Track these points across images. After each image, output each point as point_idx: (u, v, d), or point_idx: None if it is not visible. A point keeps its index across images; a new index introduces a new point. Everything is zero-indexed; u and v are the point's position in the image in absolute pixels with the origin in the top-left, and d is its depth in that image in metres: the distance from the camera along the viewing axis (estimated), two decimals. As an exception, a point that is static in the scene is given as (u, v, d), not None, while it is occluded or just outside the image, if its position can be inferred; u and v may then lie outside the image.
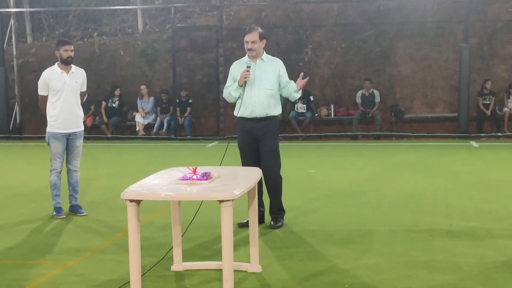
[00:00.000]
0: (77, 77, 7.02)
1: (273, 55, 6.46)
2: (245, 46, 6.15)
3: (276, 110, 6.26)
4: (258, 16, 16.96)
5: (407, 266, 4.96)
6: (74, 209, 7.05)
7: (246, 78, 6.01)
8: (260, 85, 6.14)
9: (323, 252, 5.39)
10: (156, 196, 4.12)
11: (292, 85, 6.22)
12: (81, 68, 7.20)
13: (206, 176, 4.34)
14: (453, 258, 5.13)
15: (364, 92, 15.55)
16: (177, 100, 16.29)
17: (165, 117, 16.21)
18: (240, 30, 16.71)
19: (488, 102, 15.07)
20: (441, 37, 15.85)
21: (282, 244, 5.67)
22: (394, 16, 16.12)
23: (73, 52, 6.95)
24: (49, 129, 6.91)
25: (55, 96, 6.87)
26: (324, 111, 15.89)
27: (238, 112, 6.23)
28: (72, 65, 6.98)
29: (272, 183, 6.27)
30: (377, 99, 15.49)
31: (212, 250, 5.50)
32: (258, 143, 6.23)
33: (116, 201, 7.45)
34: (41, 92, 6.94)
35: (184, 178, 4.32)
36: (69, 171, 7.07)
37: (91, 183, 8.91)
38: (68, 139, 6.95)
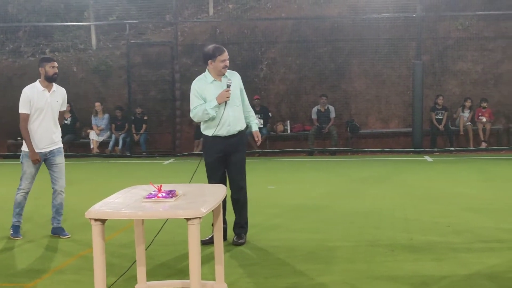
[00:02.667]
0: (58, 96, 6.72)
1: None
2: (221, 64, 6.10)
3: (244, 124, 6.38)
4: (213, 32, 16.96)
5: (371, 281, 4.97)
6: (57, 232, 6.73)
7: (228, 97, 6.04)
8: (231, 102, 6.16)
9: (287, 268, 5.36)
10: (122, 215, 4.02)
11: (249, 111, 6.46)
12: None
13: (171, 194, 4.27)
14: (416, 272, 5.17)
15: (319, 108, 15.68)
16: (132, 117, 16.12)
17: (120, 134, 16.01)
18: (195, 46, 16.71)
19: (440, 117, 15.39)
20: (394, 54, 16.14)
21: (247, 261, 5.63)
22: (348, 33, 16.35)
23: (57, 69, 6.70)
24: (24, 147, 6.60)
25: (34, 114, 6.55)
26: (280, 127, 15.95)
27: (213, 131, 6.17)
28: (54, 83, 6.69)
29: (241, 197, 6.33)
30: (333, 114, 15.65)
31: (175, 269, 5.42)
32: (227, 158, 6.26)
33: (75, 220, 7.30)
34: (23, 110, 6.54)
35: (149, 196, 4.25)
36: (54, 192, 6.75)
37: (47, 201, 8.68)
38: (46, 159, 6.67)
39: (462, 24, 16.28)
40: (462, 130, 15.32)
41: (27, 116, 6.55)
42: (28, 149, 6.56)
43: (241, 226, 6.35)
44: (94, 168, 13.82)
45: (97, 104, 16.22)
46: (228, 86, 6.07)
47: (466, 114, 15.47)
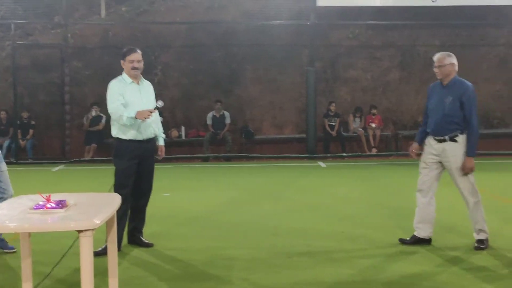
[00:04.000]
0: None
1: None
2: (129, 65, 6.00)
3: (157, 130, 6.35)
4: (105, 35, 16.48)
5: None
6: (1, 245, 6.04)
7: (148, 117, 5.88)
8: (148, 107, 6.05)
9: (185, 279, 5.19)
10: (5, 228, 3.71)
11: (158, 123, 6.36)
12: None
13: (61, 204, 3.99)
14: (314, 279, 5.14)
15: (214, 114, 15.59)
16: (18, 122, 15.32)
17: (4, 140, 15.18)
18: (86, 49, 16.16)
19: (333, 124, 15.72)
20: (288, 60, 16.33)
21: (142, 273, 5.39)
22: (242, 38, 16.37)
23: None
24: None
25: None
26: (174, 133, 15.71)
27: (126, 135, 6.05)
28: None
29: (146, 203, 6.37)
30: (228, 120, 15.59)
31: (65, 284, 5.09)
32: (138, 164, 6.14)
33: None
34: None
35: (37, 207, 3.94)
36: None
37: None
38: None
39: (353, 32, 16.74)
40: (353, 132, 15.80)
41: None
42: None
43: (141, 230, 6.40)
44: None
45: (-22, 108, 15.33)
46: (156, 108, 5.96)
47: (357, 122, 15.93)
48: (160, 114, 15.10)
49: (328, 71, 16.53)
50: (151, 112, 5.89)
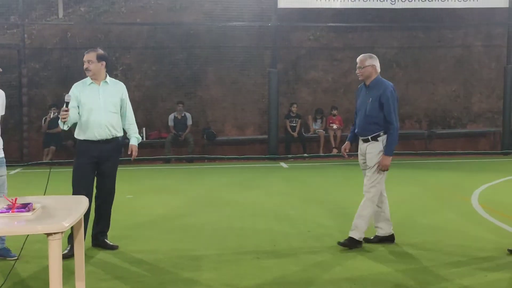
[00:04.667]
0: None
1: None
2: (84, 66, 6.11)
3: (121, 131, 6.30)
4: (64, 36, 16.24)
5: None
6: (3, 253, 5.83)
7: (64, 118, 5.77)
8: (105, 108, 6.10)
9: (153, 281, 5.17)
10: (-29, 232, 3.64)
11: (131, 124, 6.42)
12: None
13: (28, 208, 3.93)
14: (282, 278, 5.19)
15: (176, 115, 15.52)
16: (-26, 124, 14.99)
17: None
18: (44, 50, 15.91)
19: (294, 125, 15.82)
20: (249, 62, 16.37)
21: (108, 275, 5.34)
22: (204, 40, 16.34)
23: None
24: None
25: None
26: (135, 134, 15.56)
27: (82, 134, 6.10)
28: None
29: (110, 205, 6.36)
30: (189, 122, 15.54)
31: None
32: (98, 165, 6.14)
33: None
34: None
35: (2, 211, 3.88)
36: None
37: None
38: None
39: (314, 34, 16.88)
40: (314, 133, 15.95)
41: None
42: None
43: (105, 233, 6.40)
44: None
45: None
46: (66, 105, 5.76)
47: (318, 123, 16.08)
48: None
49: (289, 73, 16.63)
50: (65, 111, 5.73)
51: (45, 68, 15.74)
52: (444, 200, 9.25)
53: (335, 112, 16.13)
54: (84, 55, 6.13)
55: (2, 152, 5.86)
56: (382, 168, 6.11)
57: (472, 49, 17.54)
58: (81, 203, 4.33)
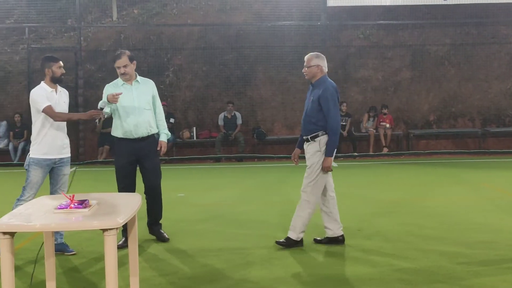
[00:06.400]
0: (65, 97, 6.27)
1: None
2: (118, 71, 6.29)
3: (155, 128, 6.46)
4: (118, 38, 16.63)
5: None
6: (61, 248, 6.05)
7: (94, 116, 6.15)
8: (140, 106, 6.30)
9: (203, 278, 5.29)
10: (32, 228, 3.82)
11: (160, 120, 6.51)
12: None
13: (84, 204, 4.10)
14: (334, 276, 5.24)
15: (226, 115, 15.69)
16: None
17: (19, 142, 15.36)
18: (99, 52, 16.31)
19: (344, 124, 15.77)
20: (298, 61, 16.33)
21: (160, 271, 5.49)
22: (253, 40, 16.47)
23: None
24: (33, 154, 6.05)
25: (45, 118, 6.00)
26: (186, 134, 15.83)
27: (119, 133, 6.33)
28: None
29: (158, 198, 6.53)
30: (239, 121, 15.69)
31: (86, 282, 5.21)
32: (139, 162, 6.36)
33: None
34: (44, 103, 5.93)
35: (61, 207, 4.06)
36: None
37: None
38: (53, 168, 6.12)
39: (363, 33, 16.80)
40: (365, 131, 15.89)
41: (51, 107, 5.96)
42: (76, 116, 6.58)
43: (158, 222, 6.63)
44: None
45: (-7, 111, 15.51)
46: (101, 109, 6.07)
47: (371, 122, 16.00)
48: (172, 116, 15.33)
49: (339, 72, 16.59)
50: (96, 113, 6.08)
51: (100, 69, 16.12)
52: (497, 200, 9.11)
53: (385, 110, 16.02)
54: (115, 62, 6.28)
55: (69, 152, 6.27)
56: (324, 169, 6.06)
57: (528, 45, 17.17)
58: (135, 200, 4.48)
